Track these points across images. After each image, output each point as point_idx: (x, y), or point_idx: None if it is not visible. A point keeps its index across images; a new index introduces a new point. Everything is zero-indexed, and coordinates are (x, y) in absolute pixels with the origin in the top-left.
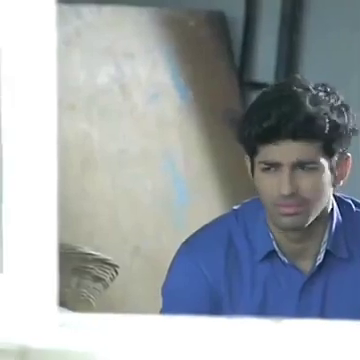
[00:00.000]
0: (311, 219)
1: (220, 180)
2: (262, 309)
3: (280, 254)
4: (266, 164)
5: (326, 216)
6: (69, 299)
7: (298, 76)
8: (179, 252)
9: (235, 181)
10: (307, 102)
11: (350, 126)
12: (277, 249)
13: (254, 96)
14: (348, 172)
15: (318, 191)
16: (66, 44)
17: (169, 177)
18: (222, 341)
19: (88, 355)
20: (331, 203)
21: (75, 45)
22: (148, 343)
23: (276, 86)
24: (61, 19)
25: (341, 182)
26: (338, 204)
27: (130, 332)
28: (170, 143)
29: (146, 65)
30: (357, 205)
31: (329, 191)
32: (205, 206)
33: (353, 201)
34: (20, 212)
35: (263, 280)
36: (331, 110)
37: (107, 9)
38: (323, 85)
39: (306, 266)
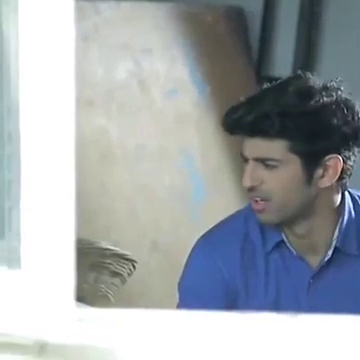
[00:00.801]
0: (283, 216)
1: (237, 175)
2: (276, 301)
3: (288, 245)
4: (241, 156)
5: (333, 214)
6: (87, 294)
7: (303, 74)
8: (195, 248)
9: None
10: (269, 101)
11: (343, 130)
12: (286, 240)
13: None
14: (338, 173)
15: (282, 188)
16: (84, 40)
17: (186, 172)
18: (239, 336)
19: (106, 350)
20: (337, 201)
21: (93, 41)
22: (166, 338)
23: (272, 85)
24: (79, 15)
25: (329, 183)
26: (353, 200)
27: (148, 327)
28: (188, 138)
29: (164, 60)
30: None
31: (301, 190)
32: (222, 201)
33: None
34: (38, 208)
35: (275, 271)
36: (305, 112)
37: (125, 4)
38: (324, 84)
39: (315, 260)
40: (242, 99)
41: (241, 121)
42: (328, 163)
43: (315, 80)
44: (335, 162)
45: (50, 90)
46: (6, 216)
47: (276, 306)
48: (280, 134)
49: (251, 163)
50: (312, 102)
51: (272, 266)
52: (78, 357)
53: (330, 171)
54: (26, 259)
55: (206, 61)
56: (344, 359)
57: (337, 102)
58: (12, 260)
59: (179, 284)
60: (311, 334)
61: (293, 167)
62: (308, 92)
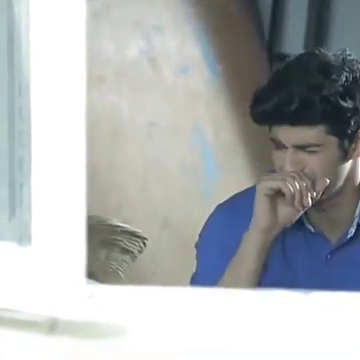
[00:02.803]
0: (321, 196)
1: (248, 153)
2: (292, 277)
3: (307, 223)
4: (273, 142)
5: (356, 190)
6: (98, 271)
7: (316, 51)
8: (218, 207)
9: (263, 154)
10: (306, 87)
11: None
12: (304, 218)
13: None
14: None
15: (324, 170)
16: (95, 18)
17: (198, 150)
18: (251, 313)
19: (117, 327)
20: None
21: (104, 18)
22: (176, 315)
23: (289, 64)
24: None
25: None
26: None
27: (158, 304)
28: (199, 116)
29: (175, 39)
30: None
31: (340, 167)
32: (233, 179)
33: None
34: (49, 184)
35: (291, 247)
36: (336, 93)
37: None
38: (343, 59)
39: (334, 236)
40: (262, 86)
41: (281, 111)
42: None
43: (331, 56)
44: None
45: (61, 67)
46: (17, 193)
47: (292, 282)
48: (321, 120)
49: (290, 150)
50: (340, 80)
51: (288, 243)
52: (89, 334)
53: None
54: (37, 236)
55: (217, 39)
56: (357, 336)
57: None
58: (23, 237)
59: (197, 242)
60: (324, 311)
61: (332, 148)
62: (331, 70)
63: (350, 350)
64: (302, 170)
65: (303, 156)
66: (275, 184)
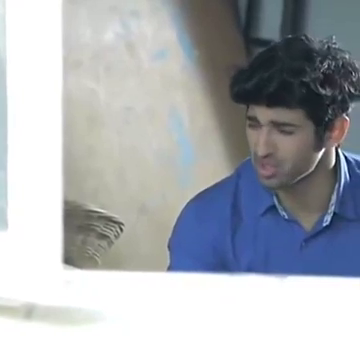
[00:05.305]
0: (290, 181)
1: (225, 138)
2: (265, 264)
3: (280, 209)
4: (250, 120)
5: (328, 175)
6: (74, 256)
7: (303, 36)
8: (187, 205)
9: (240, 140)
10: (287, 70)
11: (350, 91)
12: (277, 204)
13: None
14: (345, 134)
15: (296, 154)
16: (72, 2)
17: (174, 135)
18: (227, 298)
19: (93, 312)
20: (332, 162)
21: (81, 3)
22: (153, 300)
23: (273, 46)
24: None
25: (336, 143)
26: (348, 163)
27: (135, 289)
28: (176, 101)
29: (152, 23)
30: None
31: (311, 154)
32: (210, 164)
33: None
34: (25, 170)
35: (265, 235)
36: (317, 79)
37: None
38: (328, 46)
39: (308, 222)
40: (243, 67)
41: (259, 91)
42: (336, 124)
43: (316, 42)
44: (342, 122)
45: (38, 52)
46: None
47: (265, 269)
48: (299, 104)
49: (265, 129)
50: (323, 67)
51: (262, 229)
52: (65, 319)
53: (336, 132)
54: (13, 221)
55: (194, 23)
56: (331, 321)
57: (343, 64)
58: None
59: (169, 241)
60: (299, 296)
61: (307, 132)
62: (315, 56)
63: (325, 335)
64: (273, 153)
65: (277, 137)
66: None
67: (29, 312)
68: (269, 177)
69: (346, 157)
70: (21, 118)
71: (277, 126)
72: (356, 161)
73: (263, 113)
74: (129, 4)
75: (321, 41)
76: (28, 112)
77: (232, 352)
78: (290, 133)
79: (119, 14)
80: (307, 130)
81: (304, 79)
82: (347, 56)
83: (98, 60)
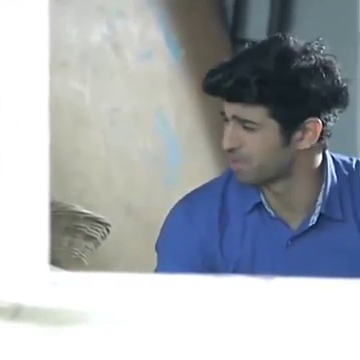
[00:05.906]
0: (261, 177)
1: (212, 138)
2: (252, 262)
3: (267, 207)
4: (221, 114)
5: (314, 176)
6: (61, 258)
7: (281, 36)
8: (175, 207)
9: None
10: (249, 68)
11: (321, 94)
12: (264, 202)
13: None
14: (317, 135)
15: (261, 151)
16: (59, 2)
17: (161, 135)
18: (214, 299)
19: (80, 313)
20: (317, 163)
21: (67, 3)
22: (139, 301)
23: (251, 46)
24: None
25: (308, 145)
26: (335, 164)
27: (121, 290)
28: (162, 101)
29: (138, 23)
30: (358, 165)
31: (279, 153)
32: (197, 164)
33: (356, 161)
34: (11, 170)
35: (252, 233)
36: (286, 78)
37: None
38: (305, 47)
39: (295, 222)
40: (222, 62)
41: (219, 86)
42: (307, 126)
43: (295, 43)
44: (314, 125)
45: (24, 52)
46: None
47: (251, 268)
48: (258, 101)
49: (231, 124)
50: (291, 68)
51: (249, 227)
52: (52, 320)
53: (309, 133)
54: None
55: (180, 23)
56: (318, 322)
57: (316, 66)
58: None
59: (157, 243)
60: (286, 297)
61: (271, 131)
62: (287, 57)
63: (312, 335)
64: (239, 148)
65: (241, 133)
66: None
67: (15, 313)
68: (238, 172)
69: (334, 158)
70: (7, 119)
71: (241, 122)
72: (344, 162)
73: (227, 108)
74: (115, 4)
75: (301, 42)
76: (14, 113)
77: (220, 353)
78: (252, 130)
79: (105, 14)
80: (270, 129)
81: (263, 77)
82: (326, 58)
83: (84, 61)
